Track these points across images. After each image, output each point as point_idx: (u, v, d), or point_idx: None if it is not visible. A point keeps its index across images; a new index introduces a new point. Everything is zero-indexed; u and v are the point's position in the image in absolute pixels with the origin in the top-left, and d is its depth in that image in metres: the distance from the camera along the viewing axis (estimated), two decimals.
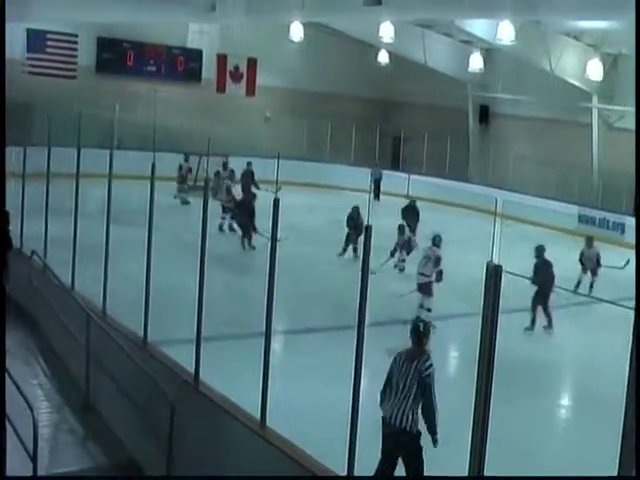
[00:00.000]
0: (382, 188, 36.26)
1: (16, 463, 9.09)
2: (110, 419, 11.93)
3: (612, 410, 5.16)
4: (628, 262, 19.84)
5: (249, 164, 31.53)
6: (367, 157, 38.60)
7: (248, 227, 22.19)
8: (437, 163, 37.95)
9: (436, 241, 17.90)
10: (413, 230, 24.17)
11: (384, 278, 17.00)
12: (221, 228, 24.99)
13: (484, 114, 39.82)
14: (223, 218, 25.37)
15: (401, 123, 41.29)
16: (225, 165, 32.98)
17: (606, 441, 5.31)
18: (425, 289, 17.43)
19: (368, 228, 6.96)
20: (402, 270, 21.79)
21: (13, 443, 9.22)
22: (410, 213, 26.12)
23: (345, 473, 6.93)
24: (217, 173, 31.96)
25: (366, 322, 7.17)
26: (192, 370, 9.59)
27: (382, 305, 16.63)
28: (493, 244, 5.80)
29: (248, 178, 30.17)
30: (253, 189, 27.47)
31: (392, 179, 37.34)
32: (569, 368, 16.07)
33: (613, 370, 5.07)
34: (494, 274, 5.52)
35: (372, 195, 33.53)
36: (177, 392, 9.69)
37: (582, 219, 32.87)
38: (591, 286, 20.64)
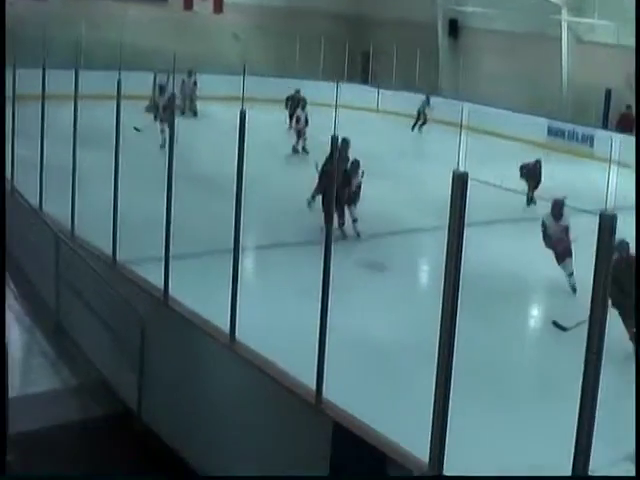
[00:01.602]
0: (350, 102, 36.02)
1: None
2: (81, 340, 11.94)
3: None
4: None
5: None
6: (336, 72, 38.28)
7: None
8: (407, 77, 37.71)
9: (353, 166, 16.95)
10: None
11: None
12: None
13: (454, 28, 39.48)
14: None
15: (370, 38, 40.89)
16: (190, 73, 33.01)
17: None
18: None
19: (333, 139, 6.88)
20: None
21: None
22: None
23: (314, 386, 6.97)
24: (182, 82, 32.22)
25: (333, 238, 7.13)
26: (162, 287, 9.56)
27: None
28: (459, 152, 5.74)
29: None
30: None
31: (361, 93, 37.14)
32: (537, 280, 16.18)
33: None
34: (460, 182, 5.48)
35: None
36: (147, 309, 9.68)
37: (552, 132, 32.84)
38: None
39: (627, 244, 11.54)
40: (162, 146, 21.59)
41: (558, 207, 14.53)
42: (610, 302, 10.93)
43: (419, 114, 33.57)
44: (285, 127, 27.15)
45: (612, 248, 4.63)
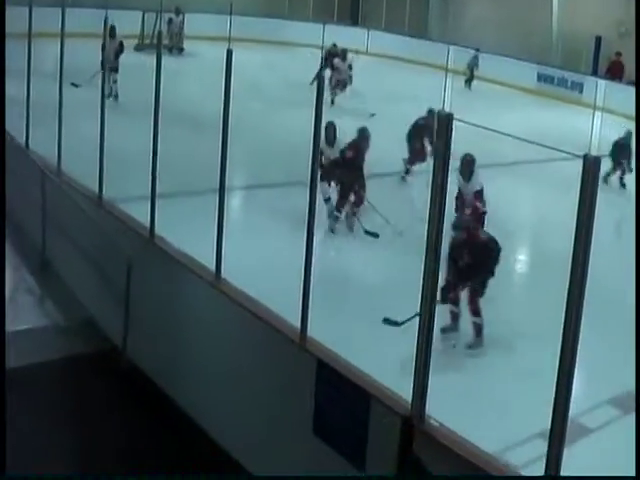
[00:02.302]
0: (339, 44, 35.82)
1: None
2: (67, 278, 11.95)
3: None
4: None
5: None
6: (325, 13, 38.05)
7: None
8: (396, 20, 37.50)
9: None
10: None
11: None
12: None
13: None
14: None
15: None
16: (177, 10, 32.76)
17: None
18: None
19: (319, 77, 6.86)
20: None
21: None
22: None
23: (299, 324, 7.03)
24: (170, 20, 31.85)
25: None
26: (148, 225, 9.59)
27: None
28: (445, 93, 5.73)
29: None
30: None
31: (350, 34, 36.90)
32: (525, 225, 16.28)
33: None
34: (445, 123, 5.49)
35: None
36: (133, 247, 9.69)
37: (541, 78, 32.75)
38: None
39: None
40: (108, 96, 20.78)
41: (467, 165, 13.15)
42: None
43: (470, 70, 31.87)
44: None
45: (596, 191, 4.65)
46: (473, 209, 12.29)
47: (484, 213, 12.64)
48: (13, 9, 14.81)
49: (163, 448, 8.36)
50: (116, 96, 21.68)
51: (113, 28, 20.14)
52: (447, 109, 5.62)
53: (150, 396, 9.14)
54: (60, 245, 12.03)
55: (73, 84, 20.14)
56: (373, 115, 21.31)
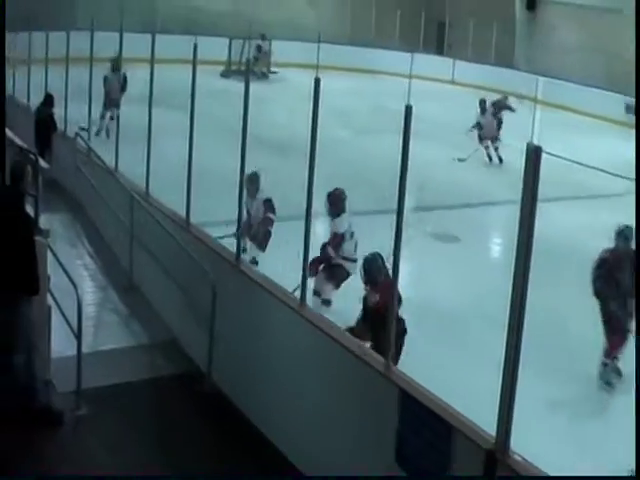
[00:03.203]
0: (425, 73, 35.68)
1: (62, 340, 9.32)
2: (153, 299, 12.13)
3: None
4: None
5: None
6: (411, 41, 38.13)
7: None
8: (482, 49, 37.40)
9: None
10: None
11: None
12: None
13: (531, 0, 39.01)
14: None
15: (447, 8, 40.63)
16: (264, 37, 33.07)
17: None
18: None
19: (408, 108, 6.87)
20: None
21: (59, 322, 9.40)
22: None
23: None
24: (258, 47, 32.03)
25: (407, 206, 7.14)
26: (234, 250, 9.70)
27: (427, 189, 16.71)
28: (533, 125, 5.73)
29: None
30: None
31: (436, 64, 36.97)
32: None
33: None
34: (534, 155, 5.48)
35: None
36: (219, 272, 9.80)
37: (629, 109, 32.30)
38: None
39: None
40: (98, 132, 19.68)
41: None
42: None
43: None
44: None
45: None
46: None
47: None
48: (105, 35, 15.20)
49: (244, 473, 8.39)
50: (108, 133, 20.02)
51: (116, 60, 19.47)
52: (536, 141, 5.58)
53: (233, 420, 9.21)
54: (147, 267, 12.21)
55: None
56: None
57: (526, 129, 7.11)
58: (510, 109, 24.40)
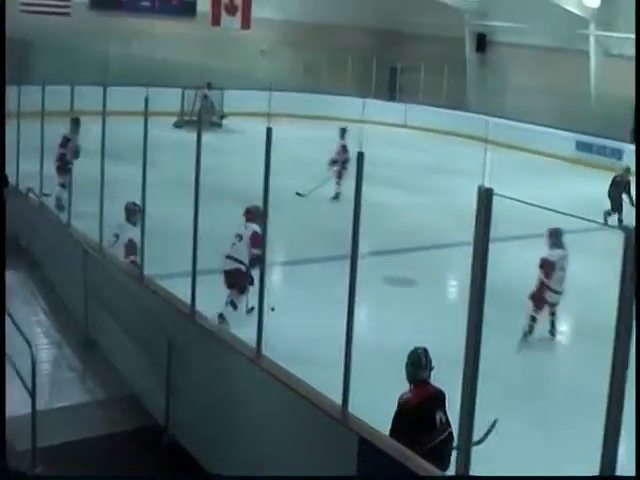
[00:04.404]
0: (378, 118, 35.92)
1: (16, 399, 9.16)
2: (109, 354, 12.00)
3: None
4: None
5: None
6: (363, 87, 38.45)
7: None
8: (434, 93, 37.76)
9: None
10: None
11: None
12: None
13: (481, 43, 39.55)
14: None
15: (398, 54, 41.00)
16: (209, 85, 33.24)
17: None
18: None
19: (360, 154, 6.88)
20: None
21: (13, 380, 9.26)
22: None
23: (340, 401, 6.98)
24: (205, 96, 32.08)
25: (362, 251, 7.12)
26: (189, 302, 9.61)
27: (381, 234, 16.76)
28: (484, 168, 5.76)
29: None
30: None
31: (389, 109, 37.30)
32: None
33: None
34: (485, 197, 5.50)
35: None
36: (174, 325, 9.73)
37: (580, 146, 32.78)
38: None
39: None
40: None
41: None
42: None
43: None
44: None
45: (637, 264, 4.60)
46: None
47: None
48: (57, 89, 15.14)
49: None
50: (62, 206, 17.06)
51: (77, 121, 18.54)
52: (489, 182, 5.61)
53: (192, 472, 9.10)
54: (102, 321, 12.10)
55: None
56: None
57: (473, 169, 7.16)
58: None
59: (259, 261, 11.42)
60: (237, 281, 12.84)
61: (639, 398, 4.48)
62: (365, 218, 6.99)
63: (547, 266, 13.25)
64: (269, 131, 8.08)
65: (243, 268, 12.82)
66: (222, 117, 33.91)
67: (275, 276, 15.17)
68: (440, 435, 7.41)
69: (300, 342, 12.09)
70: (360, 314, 7.20)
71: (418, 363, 7.74)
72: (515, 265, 14.82)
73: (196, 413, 9.47)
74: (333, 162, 22.57)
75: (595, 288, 14.61)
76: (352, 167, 7.50)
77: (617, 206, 21.23)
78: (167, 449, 9.61)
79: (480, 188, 5.54)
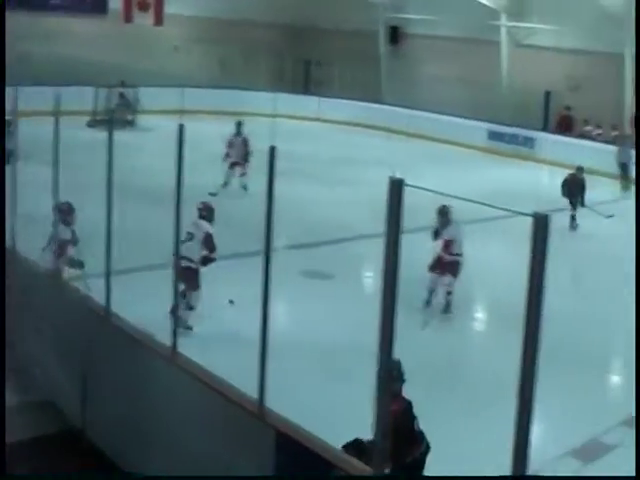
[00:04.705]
0: (293, 112, 35.85)
1: None
2: (23, 357, 11.81)
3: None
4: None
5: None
6: (279, 82, 38.41)
7: None
8: (349, 86, 37.88)
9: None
10: None
11: None
12: None
13: (394, 35, 39.70)
14: None
15: (313, 48, 41.01)
16: (124, 84, 32.89)
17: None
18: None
19: (272, 149, 6.87)
20: None
21: None
22: None
23: (257, 396, 6.98)
24: (121, 95, 31.70)
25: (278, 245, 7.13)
26: (104, 303, 9.51)
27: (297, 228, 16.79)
28: (392, 159, 5.79)
29: None
30: None
31: (301, 102, 37.33)
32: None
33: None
34: (396, 188, 5.54)
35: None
36: (90, 326, 9.62)
37: (492, 136, 33.20)
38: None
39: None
40: None
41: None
42: None
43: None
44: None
45: (546, 248, 4.67)
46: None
47: None
48: None
49: None
50: None
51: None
52: (403, 173, 5.66)
53: (109, 475, 9.00)
54: (15, 323, 11.89)
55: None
56: None
57: (388, 161, 7.20)
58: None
59: (209, 261, 12.74)
60: (190, 279, 12.71)
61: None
62: (280, 212, 7.01)
63: (449, 245, 14.49)
64: (181, 128, 8.05)
65: (194, 266, 12.81)
66: (135, 113, 33.52)
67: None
68: (420, 446, 7.36)
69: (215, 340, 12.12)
70: (278, 307, 7.23)
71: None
72: (430, 255, 14.94)
73: (113, 416, 9.38)
74: (227, 156, 22.83)
75: (509, 273, 14.83)
76: (259, 161, 7.49)
77: (575, 203, 21.15)
78: (84, 453, 9.49)
79: (391, 179, 5.58)
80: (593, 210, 20.24)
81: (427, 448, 7.49)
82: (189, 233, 12.70)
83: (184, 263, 12.36)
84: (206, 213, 13.24)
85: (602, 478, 5.84)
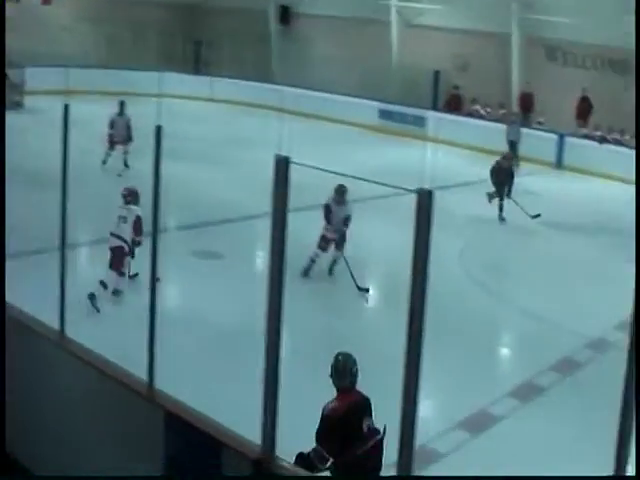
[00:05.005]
0: (183, 92, 35.48)
1: None
2: None
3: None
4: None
5: None
6: (168, 62, 37.99)
7: None
8: (240, 66, 37.68)
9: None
10: None
11: None
12: None
13: (285, 14, 39.59)
14: None
15: (203, 28, 40.65)
16: (7, 76, 32.18)
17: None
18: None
19: (158, 129, 6.82)
20: None
21: None
22: None
23: (146, 377, 6.96)
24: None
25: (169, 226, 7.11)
26: None
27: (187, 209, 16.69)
28: (282, 139, 5.82)
29: None
30: None
31: (192, 83, 37.10)
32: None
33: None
34: (282, 166, 5.57)
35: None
36: None
37: (383, 115, 33.43)
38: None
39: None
40: None
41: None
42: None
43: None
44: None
45: (430, 222, 4.74)
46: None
47: None
48: None
49: None
50: None
51: None
52: (293, 152, 5.68)
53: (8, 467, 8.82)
54: None
55: None
56: None
57: (279, 141, 7.22)
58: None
59: (138, 245, 12.97)
60: (120, 258, 13.22)
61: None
62: (168, 193, 6.97)
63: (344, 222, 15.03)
64: (66, 108, 7.95)
65: (126, 247, 13.22)
66: (22, 94, 32.81)
67: (81, 257, 14.94)
68: (368, 442, 7.11)
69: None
70: (169, 287, 7.20)
71: (336, 369, 7.26)
72: (317, 233, 15.07)
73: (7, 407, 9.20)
74: (110, 137, 22.64)
75: (394, 250, 15.04)
76: (146, 141, 7.43)
77: (501, 192, 20.33)
78: None
79: (277, 156, 5.62)
80: (520, 207, 19.58)
81: (381, 444, 7.18)
82: (121, 217, 13.28)
83: (117, 242, 13.25)
84: (131, 198, 13.42)
85: (602, 478, 5.95)
